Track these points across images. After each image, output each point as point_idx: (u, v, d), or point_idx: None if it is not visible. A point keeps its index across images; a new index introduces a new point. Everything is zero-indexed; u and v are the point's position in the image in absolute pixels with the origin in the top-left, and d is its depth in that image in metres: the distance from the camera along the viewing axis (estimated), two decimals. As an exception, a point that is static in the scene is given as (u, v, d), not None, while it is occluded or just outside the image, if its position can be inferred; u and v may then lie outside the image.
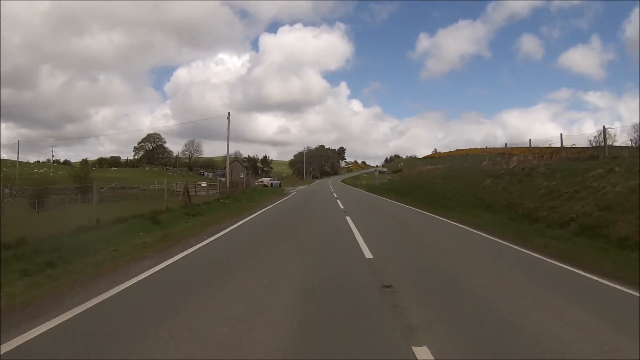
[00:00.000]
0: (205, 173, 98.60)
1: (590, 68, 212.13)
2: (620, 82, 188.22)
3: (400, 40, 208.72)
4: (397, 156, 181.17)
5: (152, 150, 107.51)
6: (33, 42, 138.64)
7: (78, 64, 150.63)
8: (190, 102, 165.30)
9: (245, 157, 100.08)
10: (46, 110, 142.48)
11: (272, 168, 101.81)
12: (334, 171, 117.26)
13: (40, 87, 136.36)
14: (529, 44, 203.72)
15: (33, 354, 2.88)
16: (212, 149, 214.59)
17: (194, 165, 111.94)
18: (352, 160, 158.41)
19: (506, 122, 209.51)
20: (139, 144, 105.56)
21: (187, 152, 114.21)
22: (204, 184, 35.62)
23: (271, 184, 42.01)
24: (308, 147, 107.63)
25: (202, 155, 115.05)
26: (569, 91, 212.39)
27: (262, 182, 42.64)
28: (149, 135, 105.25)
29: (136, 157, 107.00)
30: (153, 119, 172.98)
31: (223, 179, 68.97)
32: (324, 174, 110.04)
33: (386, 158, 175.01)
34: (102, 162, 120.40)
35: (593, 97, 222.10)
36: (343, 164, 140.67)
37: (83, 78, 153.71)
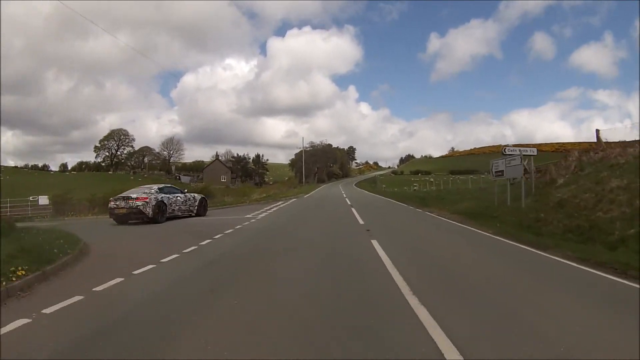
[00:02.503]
0: (183, 178, 77.79)
1: (601, 66, 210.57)
2: (630, 80, 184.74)
3: (410, 42, 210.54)
4: (411, 156, 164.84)
5: (137, 151, 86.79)
6: (36, 47, 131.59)
7: (83, 69, 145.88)
8: (197, 107, 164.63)
9: (232, 157, 79.20)
10: (52, 116, 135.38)
11: (267, 170, 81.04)
12: (344, 173, 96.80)
13: (45, 93, 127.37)
14: (541, 43, 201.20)
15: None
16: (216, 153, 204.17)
17: (177, 169, 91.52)
18: (363, 162, 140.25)
19: (515, 122, 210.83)
20: (100, 142, 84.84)
21: (165, 152, 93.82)
22: (43, 200, 20.00)
23: (156, 205, 11.84)
24: (312, 142, 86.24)
25: (192, 160, 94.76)
26: (578, 90, 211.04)
27: (129, 200, 11.80)
28: (112, 132, 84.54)
29: (97, 159, 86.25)
30: (159, 124, 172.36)
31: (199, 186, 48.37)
32: (331, 176, 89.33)
33: (401, 158, 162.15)
34: (82, 167, 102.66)
35: (602, 95, 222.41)
36: (353, 165, 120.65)
37: (89, 83, 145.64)
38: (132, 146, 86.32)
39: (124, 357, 2.53)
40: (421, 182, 63.59)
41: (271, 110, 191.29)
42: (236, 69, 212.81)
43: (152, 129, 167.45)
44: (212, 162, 72.06)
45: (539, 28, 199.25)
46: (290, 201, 23.86)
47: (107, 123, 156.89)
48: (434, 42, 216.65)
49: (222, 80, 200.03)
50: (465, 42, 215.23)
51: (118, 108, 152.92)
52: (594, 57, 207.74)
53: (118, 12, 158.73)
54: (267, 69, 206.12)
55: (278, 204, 21.12)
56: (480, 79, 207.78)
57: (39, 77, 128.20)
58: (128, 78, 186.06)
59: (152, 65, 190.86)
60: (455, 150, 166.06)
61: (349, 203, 19.86)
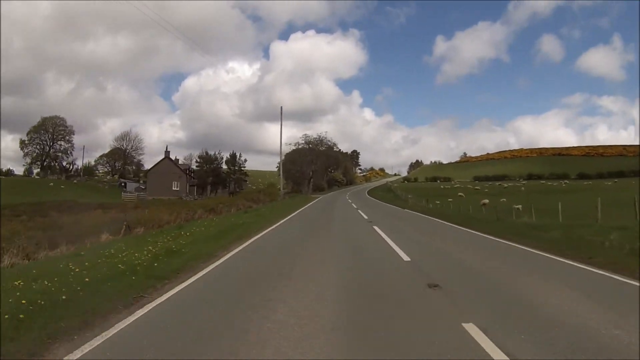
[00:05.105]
0: (129, 184, 57.10)
1: (609, 69, 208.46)
2: (635, 85, 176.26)
3: (416, 45, 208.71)
4: (419, 162, 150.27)
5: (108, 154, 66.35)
6: (36, 47, 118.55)
7: (84, 71, 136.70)
8: (200, 111, 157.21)
9: (200, 157, 58.25)
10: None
11: (247, 174, 60.39)
12: (348, 180, 76.46)
13: (45, 94, 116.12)
14: (549, 45, 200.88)
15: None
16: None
17: (143, 174, 71.29)
18: (368, 168, 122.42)
19: (518, 129, 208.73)
20: (28, 134, 64.09)
21: (123, 148, 73.73)
22: None
23: None
24: (306, 135, 65.75)
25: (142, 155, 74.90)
26: (583, 95, 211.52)
27: None
28: (44, 120, 63.85)
29: (25, 157, 65.45)
30: (161, 129, 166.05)
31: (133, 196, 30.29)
32: (333, 183, 68.82)
33: (411, 163, 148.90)
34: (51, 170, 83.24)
35: (607, 102, 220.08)
36: (357, 172, 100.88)
37: (89, 86, 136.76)
38: (69, 141, 65.79)
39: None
40: (476, 195, 43.29)
41: (274, 115, 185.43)
42: (239, 72, 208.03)
43: (153, 134, 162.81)
44: (158, 163, 50.28)
45: (548, 30, 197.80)
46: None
47: (108, 127, 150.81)
48: (441, 45, 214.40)
49: (225, 83, 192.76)
50: (473, 45, 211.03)
51: (119, 112, 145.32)
52: (601, 60, 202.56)
53: (119, 14, 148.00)
54: (270, 72, 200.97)
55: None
56: (487, 82, 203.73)
57: (39, 78, 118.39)
58: (130, 80, 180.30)
59: (154, 68, 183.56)
60: (468, 156, 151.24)
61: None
